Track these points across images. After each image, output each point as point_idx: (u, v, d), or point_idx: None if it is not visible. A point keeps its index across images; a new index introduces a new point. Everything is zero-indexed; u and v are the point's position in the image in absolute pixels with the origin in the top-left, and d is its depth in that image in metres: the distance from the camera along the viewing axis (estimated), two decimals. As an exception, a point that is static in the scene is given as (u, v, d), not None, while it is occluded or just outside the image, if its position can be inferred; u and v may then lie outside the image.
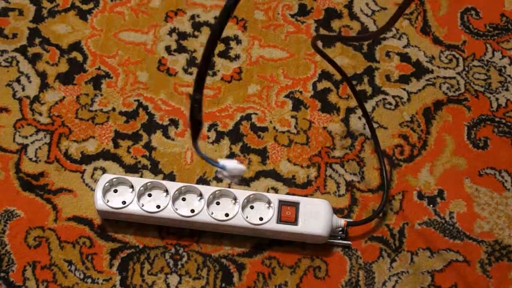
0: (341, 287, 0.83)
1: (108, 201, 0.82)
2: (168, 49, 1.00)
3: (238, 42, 1.01)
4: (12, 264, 0.83)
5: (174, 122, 0.93)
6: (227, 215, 0.82)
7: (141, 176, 0.88)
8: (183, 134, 0.93)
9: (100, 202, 0.82)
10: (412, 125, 0.94)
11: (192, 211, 0.81)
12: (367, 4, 1.05)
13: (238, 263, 0.84)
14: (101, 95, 0.95)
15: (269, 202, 0.82)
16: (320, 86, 0.97)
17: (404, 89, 0.97)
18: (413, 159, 0.92)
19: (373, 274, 0.84)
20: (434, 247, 0.86)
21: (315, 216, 0.81)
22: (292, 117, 0.95)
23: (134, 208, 0.81)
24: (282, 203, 0.82)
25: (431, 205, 0.88)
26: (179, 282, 0.82)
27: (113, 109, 0.94)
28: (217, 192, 0.83)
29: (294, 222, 0.81)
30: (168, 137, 0.92)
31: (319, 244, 0.84)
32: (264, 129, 0.93)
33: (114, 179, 0.83)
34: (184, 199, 0.83)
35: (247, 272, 0.83)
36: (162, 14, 1.03)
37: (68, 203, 0.87)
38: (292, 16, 1.03)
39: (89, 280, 0.82)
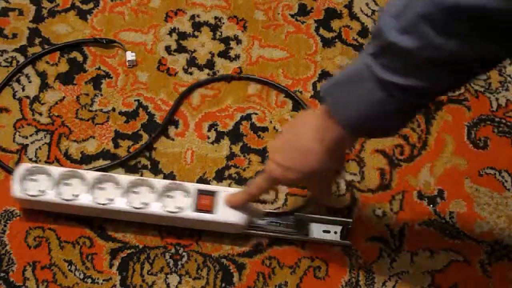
0: (341, 287, 0.83)
1: (25, 190, 0.82)
2: (168, 49, 1.00)
3: (238, 42, 1.01)
4: (12, 264, 0.82)
5: (174, 122, 0.93)
6: (145, 204, 0.82)
7: (141, 176, 0.88)
8: (183, 134, 0.93)
9: (17, 191, 0.81)
10: (412, 125, 0.94)
11: (111, 200, 0.81)
12: (367, 4, 1.05)
13: (238, 263, 0.84)
14: (101, 95, 0.95)
15: (187, 192, 0.82)
16: (320, 86, 0.97)
17: (404, 89, 0.97)
18: (413, 159, 0.92)
19: (373, 274, 0.84)
20: (434, 247, 0.86)
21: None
22: (292, 117, 0.95)
23: (50, 196, 0.81)
24: (200, 192, 0.82)
25: (431, 205, 0.88)
26: (179, 282, 0.82)
27: (113, 109, 0.94)
28: (135, 181, 0.83)
29: (211, 210, 0.81)
30: (168, 137, 0.92)
31: (322, 244, 0.84)
32: (264, 129, 0.93)
33: (33, 168, 0.83)
34: (102, 188, 0.83)
35: (247, 272, 0.83)
36: (162, 14, 1.03)
37: (68, 203, 0.87)
38: (292, 16, 1.03)
39: (89, 280, 0.82)
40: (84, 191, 0.82)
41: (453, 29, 0.53)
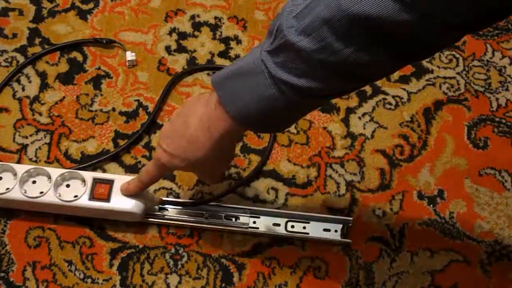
0: (341, 287, 0.83)
1: None
2: (168, 49, 1.00)
3: (238, 42, 1.01)
4: (12, 264, 0.82)
5: (174, 122, 0.93)
6: (41, 193, 0.81)
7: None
8: (183, 134, 0.92)
9: None
10: (412, 125, 0.94)
11: (7, 189, 0.81)
12: (367, 4, 1.04)
13: (238, 263, 0.84)
14: (101, 95, 0.95)
15: (83, 180, 0.82)
16: (320, 86, 0.97)
17: (404, 89, 0.97)
18: (413, 159, 0.92)
19: (373, 274, 0.84)
20: (434, 247, 0.86)
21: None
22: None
23: None
24: (96, 181, 0.82)
25: (431, 205, 0.88)
26: (179, 282, 0.82)
27: (113, 109, 0.94)
28: (32, 170, 0.82)
29: (107, 199, 0.81)
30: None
31: (322, 244, 0.84)
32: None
33: None
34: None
35: (247, 272, 0.83)
36: (162, 14, 1.03)
37: (68, 203, 0.87)
38: (292, 16, 1.03)
39: (89, 280, 0.82)
40: None
41: (353, 36, 0.54)
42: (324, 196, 0.88)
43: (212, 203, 0.86)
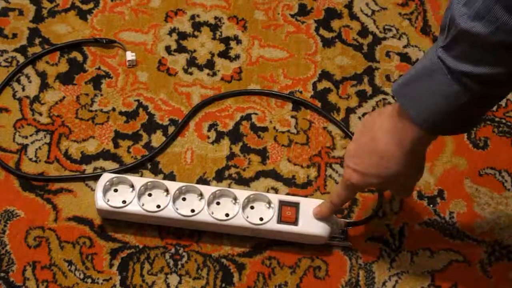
0: (341, 287, 0.83)
1: (108, 201, 0.82)
2: (168, 49, 1.00)
3: (238, 42, 1.01)
4: (12, 264, 0.82)
5: (174, 122, 0.93)
6: (227, 215, 0.82)
7: (141, 176, 0.88)
8: (183, 134, 0.93)
9: (100, 202, 0.82)
10: (412, 125, 0.94)
11: (193, 211, 0.81)
12: (367, 4, 1.05)
13: (238, 263, 0.84)
14: (101, 95, 0.95)
15: (269, 202, 0.82)
16: (320, 86, 0.97)
17: (404, 89, 0.97)
18: (413, 159, 0.92)
19: (373, 274, 0.84)
20: (434, 247, 0.86)
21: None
22: (292, 117, 0.95)
23: (134, 207, 0.81)
24: (282, 203, 0.82)
25: (431, 205, 0.88)
26: (179, 282, 0.82)
27: (113, 109, 0.94)
28: (217, 192, 0.83)
29: (294, 222, 0.81)
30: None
31: (319, 244, 0.84)
32: (264, 129, 0.93)
33: (115, 178, 0.83)
34: (184, 199, 0.83)
35: (247, 272, 0.83)
36: (162, 14, 1.03)
37: (68, 203, 0.87)
38: (292, 16, 1.03)
39: (89, 280, 0.82)
40: (166, 201, 0.82)
41: None
42: (324, 196, 0.88)
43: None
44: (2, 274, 0.82)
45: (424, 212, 0.88)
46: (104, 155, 0.90)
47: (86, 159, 0.90)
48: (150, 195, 0.83)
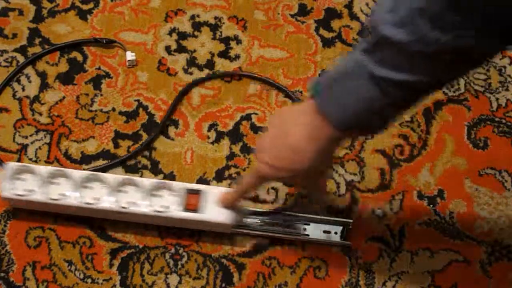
0: (341, 287, 0.83)
1: (12, 189, 0.81)
2: (168, 49, 1.00)
3: (238, 42, 1.01)
4: (12, 264, 0.82)
5: (174, 122, 0.93)
6: (132, 203, 0.82)
7: (141, 176, 0.88)
8: (183, 134, 0.93)
9: (5, 191, 0.81)
10: (412, 125, 0.94)
11: (97, 199, 0.81)
12: (367, 4, 1.05)
13: (238, 263, 0.84)
14: (101, 95, 0.95)
15: (175, 191, 0.82)
16: (320, 86, 0.97)
17: (404, 89, 0.97)
18: (413, 159, 0.92)
19: (373, 274, 0.84)
20: (434, 247, 0.86)
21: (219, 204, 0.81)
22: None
23: (37, 196, 0.81)
24: (188, 191, 0.82)
25: (431, 205, 0.88)
26: (179, 282, 0.82)
27: (113, 109, 0.94)
28: (123, 180, 0.83)
29: (199, 210, 0.81)
30: (168, 137, 0.92)
31: (322, 244, 0.84)
32: (264, 129, 0.93)
33: (22, 167, 0.82)
34: (89, 188, 0.83)
35: (247, 272, 0.83)
36: (162, 14, 1.03)
37: (68, 203, 0.87)
38: (292, 16, 1.03)
39: (89, 280, 0.82)
40: (70, 189, 0.82)
41: (450, 22, 0.53)
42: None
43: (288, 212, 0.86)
44: (2, 274, 0.82)
45: (424, 212, 0.88)
46: (104, 155, 0.90)
47: (86, 159, 0.90)
48: (56, 184, 0.82)
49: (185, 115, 0.94)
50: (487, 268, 0.84)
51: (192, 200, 0.81)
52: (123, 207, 0.81)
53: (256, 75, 0.97)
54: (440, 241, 0.86)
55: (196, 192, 0.82)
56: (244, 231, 0.84)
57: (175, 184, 0.82)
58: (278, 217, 0.85)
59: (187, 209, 0.81)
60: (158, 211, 0.81)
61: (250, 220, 0.85)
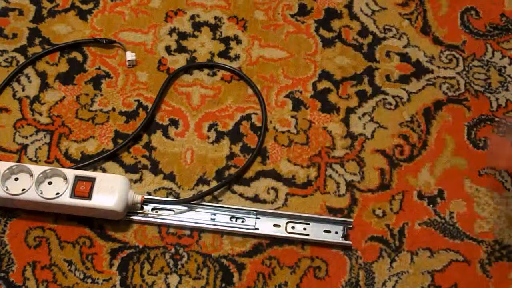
0: (341, 287, 0.83)
1: None
2: (168, 49, 1.00)
3: (238, 42, 1.01)
4: (12, 264, 0.82)
5: (174, 122, 0.93)
6: (23, 190, 0.81)
7: (141, 176, 0.88)
8: (183, 134, 0.93)
9: None
10: (412, 125, 0.94)
11: None
12: (367, 4, 1.05)
13: (238, 263, 0.84)
14: (101, 95, 0.95)
15: (65, 178, 0.82)
16: (320, 86, 0.97)
17: (404, 89, 0.97)
18: (413, 159, 0.92)
19: (373, 274, 0.84)
20: (434, 247, 0.86)
21: (110, 192, 0.82)
22: (292, 117, 0.95)
23: None
24: (78, 179, 0.82)
25: (431, 205, 0.88)
26: (179, 282, 0.82)
27: (113, 109, 0.94)
28: (13, 167, 0.83)
29: (88, 197, 0.81)
30: (168, 137, 0.92)
31: (319, 244, 0.84)
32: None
33: None
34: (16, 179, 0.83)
35: (247, 272, 0.83)
36: (162, 14, 1.03)
37: (68, 203, 0.87)
38: (292, 16, 1.03)
39: (89, 280, 0.82)
40: None
41: None
42: (324, 196, 0.88)
43: (220, 205, 0.86)
44: (2, 274, 0.82)
45: (424, 212, 0.88)
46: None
47: (86, 159, 0.90)
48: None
49: (185, 115, 0.94)
50: (487, 268, 0.84)
51: (81, 187, 0.81)
52: (13, 194, 0.81)
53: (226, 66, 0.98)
54: (440, 241, 0.86)
55: (88, 180, 0.82)
56: (138, 218, 0.84)
57: (67, 171, 0.83)
58: (175, 206, 0.85)
59: (76, 195, 0.81)
60: (47, 198, 0.81)
61: (146, 208, 0.85)
